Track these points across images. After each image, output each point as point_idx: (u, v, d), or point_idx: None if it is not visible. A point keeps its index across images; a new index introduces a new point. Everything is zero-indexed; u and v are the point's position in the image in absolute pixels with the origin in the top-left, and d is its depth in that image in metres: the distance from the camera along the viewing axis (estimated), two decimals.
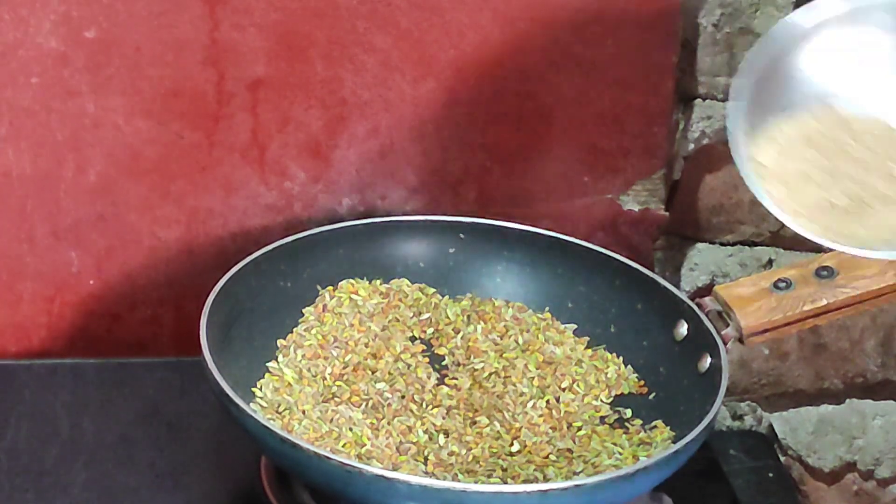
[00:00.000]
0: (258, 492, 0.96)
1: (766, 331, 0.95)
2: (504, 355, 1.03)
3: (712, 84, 1.13)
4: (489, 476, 0.92)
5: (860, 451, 1.24)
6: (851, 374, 1.22)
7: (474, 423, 0.98)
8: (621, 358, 1.04)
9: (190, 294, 1.11)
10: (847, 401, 1.24)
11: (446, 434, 0.96)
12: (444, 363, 1.04)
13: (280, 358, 1.01)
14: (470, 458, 0.94)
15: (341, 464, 0.84)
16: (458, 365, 1.03)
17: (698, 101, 1.14)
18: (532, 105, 1.12)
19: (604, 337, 1.05)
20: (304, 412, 0.96)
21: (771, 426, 1.23)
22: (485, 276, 1.09)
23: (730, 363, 0.95)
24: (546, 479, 0.92)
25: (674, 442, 0.93)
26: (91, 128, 1.09)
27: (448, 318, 1.06)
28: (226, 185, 1.12)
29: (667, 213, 1.15)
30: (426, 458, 0.94)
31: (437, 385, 1.01)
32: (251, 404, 0.95)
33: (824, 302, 0.94)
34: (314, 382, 0.99)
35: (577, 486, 0.84)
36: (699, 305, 0.98)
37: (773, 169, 0.90)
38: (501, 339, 1.05)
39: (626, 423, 0.99)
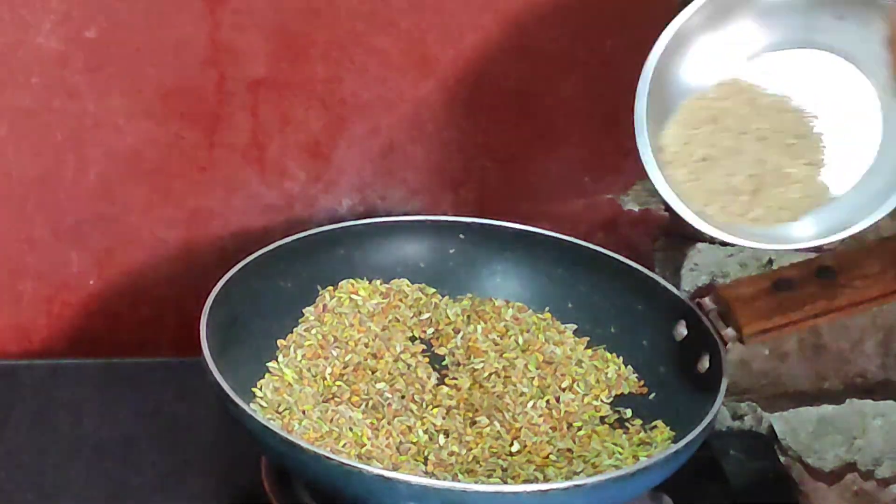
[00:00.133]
0: (258, 492, 0.96)
1: (766, 331, 0.95)
2: (504, 355, 1.03)
3: None
4: (489, 476, 0.92)
5: (860, 451, 1.24)
6: (851, 374, 1.22)
7: (474, 423, 0.98)
8: (621, 358, 1.04)
9: (190, 294, 1.11)
10: (847, 401, 1.24)
11: (446, 434, 0.96)
12: (444, 363, 1.04)
13: (280, 358, 1.01)
14: (470, 458, 0.94)
15: (341, 464, 0.84)
16: (458, 365, 1.03)
17: None
18: (532, 105, 1.12)
19: (604, 337, 1.05)
20: (304, 412, 0.96)
21: (771, 426, 1.23)
22: (485, 276, 1.09)
23: (730, 363, 0.95)
24: (546, 479, 0.92)
25: (674, 442, 0.93)
26: (91, 128, 1.09)
27: (448, 318, 1.06)
28: (226, 185, 1.12)
29: (667, 213, 1.15)
30: (426, 458, 0.94)
31: (437, 385, 1.01)
32: (251, 404, 0.95)
33: (824, 302, 0.94)
34: (314, 382, 0.99)
35: (577, 486, 0.84)
36: (699, 305, 0.98)
37: (680, 154, 0.91)
38: (501, 339, 1.05)
39: (626, 423, 0.99)
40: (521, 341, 1.04)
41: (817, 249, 1.18)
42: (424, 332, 1.06)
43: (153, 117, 1.09)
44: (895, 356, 1.22)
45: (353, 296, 1.06)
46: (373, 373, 1.01)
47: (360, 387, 0.99)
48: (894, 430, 1.24)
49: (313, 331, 1.03)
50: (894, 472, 1.24)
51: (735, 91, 0.93)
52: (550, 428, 0.98)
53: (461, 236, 1.09)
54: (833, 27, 0.90)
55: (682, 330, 1.00)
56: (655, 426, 0.98)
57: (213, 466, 1.03)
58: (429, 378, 1.01)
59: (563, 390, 1.01)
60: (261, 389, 0.98)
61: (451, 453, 0.94)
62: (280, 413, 0.96)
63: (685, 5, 0.92)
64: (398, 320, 1.06)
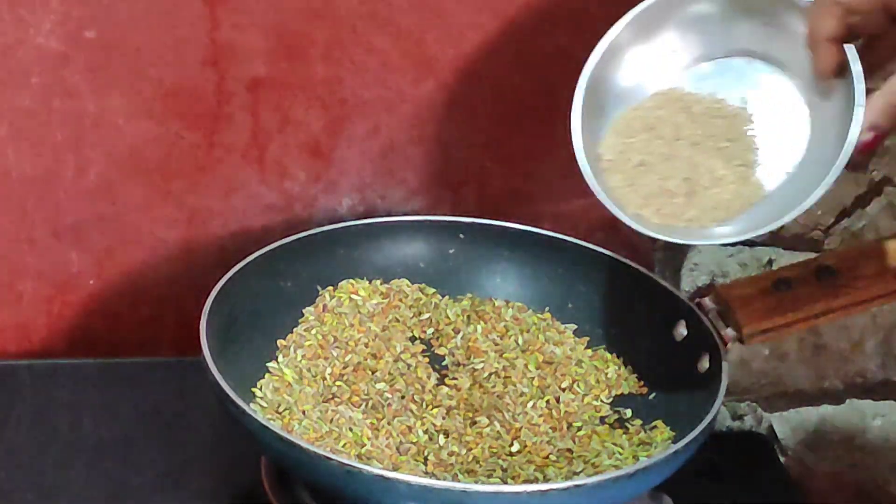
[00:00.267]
0: (258, 492, 0.96)
1: (766, 331, 0.95)
2: (504, 355, 1.03)
3: None
4: (489, 476, 0.92)
5: (860, 450, 1.24)
6: (851, 374, 1.22)
7: (474, 423, 0.97)
8: (621, 358, 1.04)
9: (190, 294, 1.11)
10: (847, 401, 1.24)
11: (446, 434, 0.96)
12: (444, 363, 1.04)
13: (280, 358, 1.01)
14: (470, 458, 0.94)
15: (341, 464, 0.84)
16: (458, 365, 1.03)
17: None
18: (532, 105, 1.12)
19: (604, 337, 1.05)
20: (304, 412, 0.96)
21: (771, 426, 1.23)
22: (485, 276, 1.09)
23: (730, 363, 0.95)
24: (546, 479, 0.92)
25: (674, 442, 0.93)
26: (91, 128, 1.09)
27: (448, 318, 1.06)
28: (226, 185, 1.12)
29: None
30: (426, 458, 0.94)
31: (437, 385, 1.01)
32: (251, 404, 0.95)
33: (824, 302, 0.94)
34: (314, 382, 0.99)
35: (577, 486, 0.84)
36: (699, 305, 0.98)
37: (617, 162, 0.93)
38: (501, 339, 1.05)
39: (626, 423, 0.99)
40: (521, 341, 1.04)
41: (818, 249, 1.18)
42: (424, 332, 1.06)
43: (153, 117, 1.09)
44: (895, 356, 1.22)
45: (353, 296, 1.06)
46: (373, 373, 1.01)
47: (360, 387, 0.99)
48: (894, 430, 1.24)
49: (313, 331, 1.03)
50: (894, 471, 1.24)
51: (669, 100, 0.95)
52: (550, 428, 0.98)
53: (461, 236, 1.09)
54: (758, 33, 0.93)
55: (682, 330, 1.00)
56: (655, 426, 0.98)
57: (213, 466, 1.03)
58: (429, 378, 1.01)
59: (563, 390, 1.01)
60: (261, 389, 0.98)
61: (451, 453, 0.94)
62: (280, 413, 0.96)
63: None
64: (398, 320, 1.06)
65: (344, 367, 1.01)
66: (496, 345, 1.04)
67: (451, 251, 1.09)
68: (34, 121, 1.08)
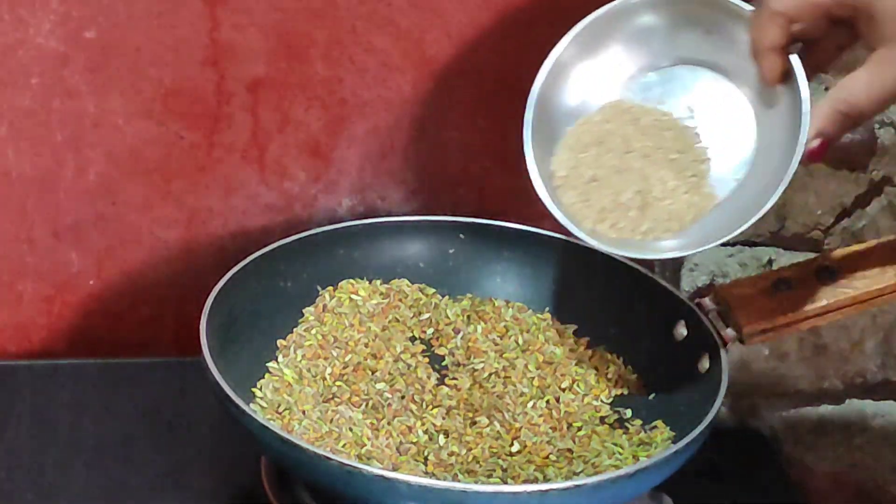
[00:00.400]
0: (258, 492, 0.96)
1: (766, 331, 0.95)
2: (504, 355, 1.03)
3: None
4: (489, 476, 0.92)
5: (860, 450, 1.24)
6: (851, 374, 1.22)
7: (474, 423, 0.97)
8: (621, 358, 1.04)
9: (190, 294, 1.11)
10: (847, 401, 1.24)
11: (446, 434, 0.96)
12: (444, 363, 1.04)
13: (280, 358, 1.01)
14: (470, 458, 0.94)
15: (341, 464, 0.84)
16: (458, 365, 1.03)
17: None
18: None
19: (604, 337, 1.05)
20: (304, 412, 0.96)
21: (771, 426, 1.23)
22: (485, 276, 1.09)
23: (730, 363, 0.95)
24: (546, 479, 0.92)
25: (674, 442, 0.93)
26: (91, 128, 1.09)
27: (448, 318, 1.06)
28: (226, 185, 1.12)
29: None
30: (426, 458, 0.94)
31: (437, 385, 1.01)
32: (251, 404, 0.95)
33: (824, 302, 0.94)
34: (314, 382, 0.99)
35: (577, 486, 0.84)
36: (699, 305, 0.98)
37: (570, 178, 0.94)
38: (501, 339, 1.05)
39: (626, 423, 0.99)
40: (521, 341, 1.04)
41: (818, 249, 1.18)
42: (424, 332, 1.06)
43: (153, 117, 1.09)
44: (895, 356, 1.22)
45: (353, 296, 1.06)
46: (373, 373, 1.01)
47: (360, 387, 0.99)
48: (894, 430, 1.24)
49: (313, 331, 1.03)
50: (894, 471, 1.24)
51: (618, 112, 0.96)
52: (550, 428, 0.98)
53: (461, 236, 1.09)
54: (703, 42, 0.93)
55: (682, 330, 1.00)
56: (655, 426, 0.98)
57: (213, 466, 1.03)
58: (429, 378, 1.01)
59: (563, 390, 1.01)
60: (261, 389, 0.98)
61: (451, 453, 0.94)
62: (280, 413, 0.96)
63: None
64: (398, 320, 1.06)
65: (344, 367, 1.01)
66: (496, 345, 1.04)
67: (451, 251, 1.09)
68: (34, 121, 1.08)
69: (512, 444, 0.96)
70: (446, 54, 1.09)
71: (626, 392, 1.02)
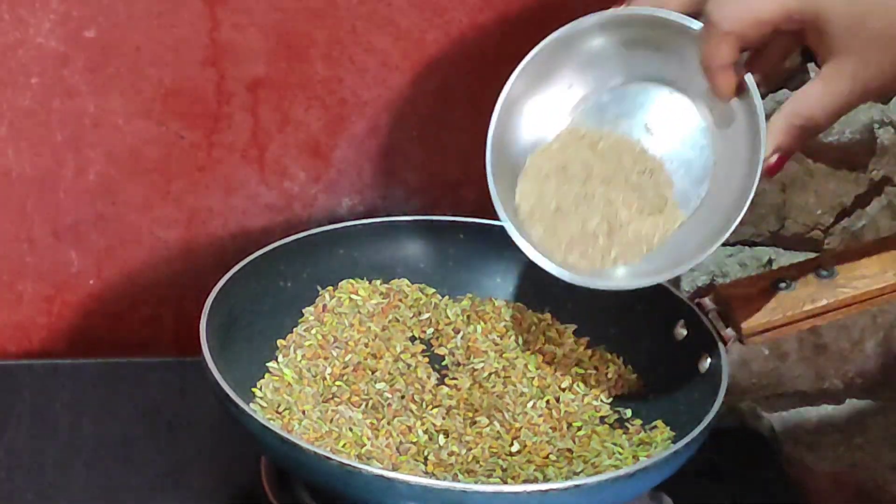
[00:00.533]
0: (258, 492, 0.96)
1: (766, 331, 0.95)
2: (504, 355, 1.03)
3: None
4: (489, 476, 0.92)
5: (860, 450, 1.24)
6: (851, 374, 1.22)
7: (474, 423, 0.97)
8: (621, 358, 1.04)
9: (190, 294, 1.11)
10: (847, 401, 1.24)
11: (446, 434, 0.96)
12: (444, 363, 1.04)
13: (280, 358, 1.01)
14: (470, 458, 0.94)
15: (341, 464, 0.84)
16: (458, 365, 1.03)
17: None
18: None
19: (604, 337, 1.05)
20: (304, 412, 0.96)
21: (771, 426, 1.23)
22: (485, 276, 1.09)
23: (730, 363, 0.95)
24: (546, 479, 0.92)
25: (674, 442, 0.93)
26: (91, 128, 1.09)
27: (448, 318, 1.06)
28: (226, 185, 1.12)
29: None
30: (426, 458, 0.94)
31: (437, 385, 1.01)
32: (251, 404, 0.95)
33: (824, 302, 0.94)
34: (314, 382, 0.99)
35: (577, 486, 0.84)
36: (699, 305, 0.98)
37: (535, 210, 0.94)
38: (501, 339, 1.05)
39: (626, 423, 0.99)
40: (521, 341, 1.04)
41: (818, 249, 1.18)
42: (424, 332, 1.06)
43: (153, 117, 1.09)
44: (895, 356, 1.22)
45: (353, 296, 1.06)
46: (373, 373, 1.01)
47: (360, 387, 0.99)
48: (894, 430, 1.24)
49: (313, 331, 1.03)
50: (894, 471, 1.24)
51: (574, 139, 0.96)
52: (550, 428, 0.98)
53: (461, 236, 1.09)
54: (654, 59, 0.93)
55: (682, 330, 1.00)
56: (655, 426, 0.98)
57: (212, 466, 1.03)
58: (429, 378, 1.01)
59: (563, 390, 1.01)
60: (261, 389, 0.98)
61: (451, 453, 0.94)
62: (280, 413, 0.96)
63: None
64: (398, 320, 1.06)
65: (344, 367, 1.01)
66: (496, 345, 1.04)
67: (451, 251, 1.09)
68: (34, 121, 1.08)
69: (512, 444, 0.96)
70: (446, 54, 1.09)
71: (626, 392, 1.02)
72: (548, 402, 1.00)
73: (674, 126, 0.94)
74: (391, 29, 1.08)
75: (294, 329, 1.03)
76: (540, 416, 0.99)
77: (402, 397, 0.99)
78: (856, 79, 0.84)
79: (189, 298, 1.12)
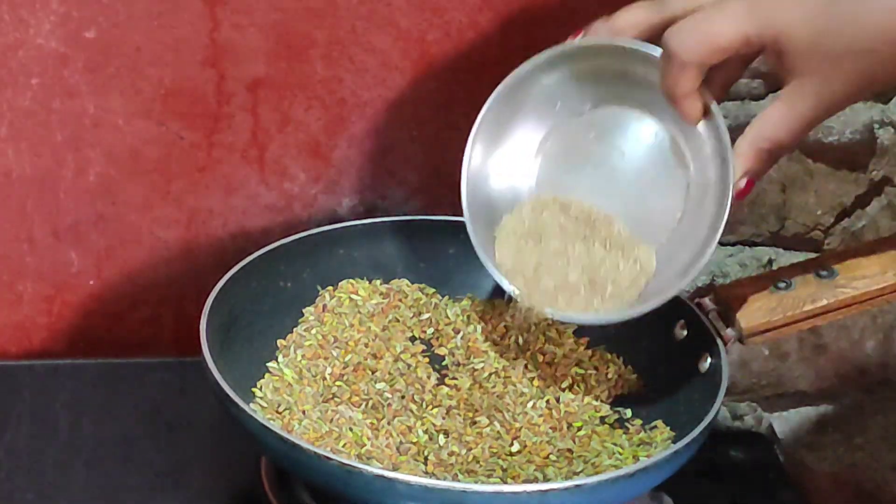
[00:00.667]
0: (258, 492, 0.96)
1: (766, 331, 0.95)
2: (504, 355, 1.03)
3: None
4: (489, 476, 0.92)
5: (860, 450, 1.24)
6: (851, 374, 1.22)
7: (474, 423, 0.97)
8: (621, 358, 1.04)
9: (190, 294, 1.11)
10: (847, 401, 1.24)
11: (446, 434, 0.96)
12: (444, 363, 1.04)
13: (280, 358, 1.01)
14: (470, 458, 0.94)
15: (341, 464, 0.84)
16: (458, 365, 1.03)
17: None
18: None
19: (604, 337, 1.05)
20: (304, 412, 0.96)
21: (771, 426, 1.23)
22: (485, 276, 1.08)
23: (730, 363, 0.95)
24: (546, 479, 0.92)
25: (674, 442, 0.93)
26: (91, 128, 1.09)
27: (448, 318, 1.06)
28: (226, 186, 1.12)
29: None
30: (426, 458, 0.94)
31: (437, 385, 1.01)
32: (251, 404, 0.95)
33: (824, 302, 0.94)
34: (314, 382, 0.99)
35: (577, 486, 0.84)
36: (699, 305, 0.98)
37: (515, 267, 0.95)
38: (501, 339, 1.05)
39: (626, 423, 0.99)
40: (521, 341, 1.04)
41: (818, 249, 1.18)
42: (424, 332, 1.06)
43: (153, 117, 1.09)
44: (895, 356, 1.22)
45: (353, 296, 1.06)
46: (373, 373, 1.01)
47: (360, 387, 0.99)
48: (894, 430, 1.24)
49: (313, 331, 1.03)
50: (894, 471, 1.24)
51: (545, 204, 0.96)
52: (550, 428, 0.98)
53: (461, 236, 1.09)
54: (619, 86, 0.93)
55: (682, 330, 1.00)
56: (655, 426, 0.98)
57: (212, 466, 1.03)
58: (429, 378, 1.01)
59: (563, 390, 1.01)
60: (261, 389, 0.98)
61: (451, 453, 0.94)
62: (280, 413, 0.96)
63: None
64: (398, 320, 1.06)
65: (344, 367, 1.01)
66: (496, 345, 1.04)
67: (451, 251, 1.09)
68: (34, 121, 1.08)
69: (512, 444, 0.96)
70: (446, 54, 1.09)
71: (626, 392, 1.02)
72: (548, 402, 1.00)
73: (645, 149, 0.94)
74: (391, 29, 1.08)
75: (294, 329, 1.03)
76: (540, 416, 0.99)
77: (402, 397, 0.99)
78: (819, 97, 0.84)
79: (189, 298, 1.12)
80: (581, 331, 1.06)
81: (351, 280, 1.07)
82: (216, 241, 1.14)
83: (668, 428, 0.97)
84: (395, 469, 0.91)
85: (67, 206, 1.11)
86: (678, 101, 0.88)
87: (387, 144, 1.12)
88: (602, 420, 1.00)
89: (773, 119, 0.85)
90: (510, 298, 0.96)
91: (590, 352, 1.04)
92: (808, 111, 0.84)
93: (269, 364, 1.00)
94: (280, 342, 1.02)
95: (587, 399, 1.01)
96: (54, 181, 1.10)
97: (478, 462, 0.94)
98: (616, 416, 1.00)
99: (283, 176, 1.12)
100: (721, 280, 1.18)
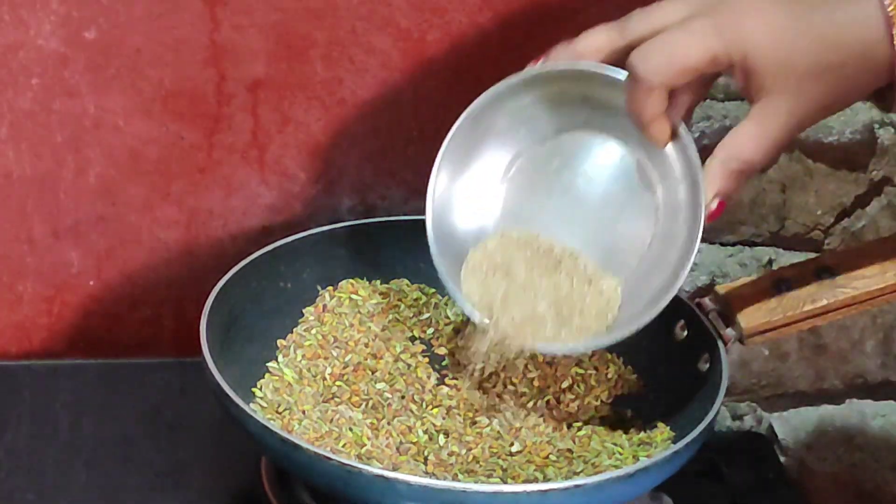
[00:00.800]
0: (258, 492, 0.96)
1: (766, 331, 0.95)
2: (504, 355, 1.03)
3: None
4: (489, 476, 0.92)
5: (860, 451, 1.24)
6: (851, 374, 1.22)
7: (474, 423, 0.97)
8: (621, 358, 1.04)
9: (190, 294, 1.11)
10: (847, 401, 1.24)
11: (446, 434, 0.96)
12: (444, 363, 1.04)
13: (280, 358, 1.01)
14: (470, 458, 0.94)
15: (341, 464, 0.84)
16: (458, 365, 1.03)
17: None
18: None
19: None
20: (304, 412, 0.96)
21: (771, 426, 1.23)
22: None
23: (730, 363, 0.95)
24: (546, 479, 0.92)
25: (674, 442, 0.93)
26: (91, 128, 1.09)
27: (448, 318, 1.06)
28: (226, 186, 1.12)
29: None
30: (426, 458, 0.94)
31: (437, 385, 1.01)
32: (251, 404, 0.95)
33: (824, 302, 0.94)
34: (314, 382, 0.99)
35: (577, 486, 0.84)
36: (699, 305, 0.98)
37: (482, 301, 0.93)
38: None
39: (626, 423, 0.99)
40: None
41: (818, 249, 1.18)
42: (424, 332, 1.06)
43: (153, 117, 1.09)
44: (895, 356, 1.22)
45: (353, 296, 1.06)
46: (373, 373, 1.01)
47: (360, 387, 0.99)
48: (894, 430, 1.24)
49: (313, 331, 1.03)
50: (894, 471, 1.25)
51: (509, 241, 0.95)
52: (550, 428, 0.98)
53: None
54: (583, 110, 0.92)
55: (682, 330, 1.00)
56: (655, 426, 0.98)
57: (212, 466, 1.03)
58: (429, 378, 1.01)
59: (563, 390, 1.01)
60: (261, 389, 0.98)
61: (451, 453, 0.94)
62: (280, 413, 0.96)
63: None
64: (398, 320, 1.06)
65: (344, 367, 1.01)
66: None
67: None
68: (34, 121, 1.08)
69: (512, 444, 0.96)
70: (446, 54, 1.09)
71: (626, 392, 1.02)
72: (548, 402, 1.00)
73: (611, 173, 0.93)
74: (391, 29, 1.08)
75: (294, 329, 1.03)
76: (540, 416, 0.99)
77: (402, 397, 0.99)
78: (789, 115, 0.83)
79: (189, 298, 1.12)
80: None
81: (351, 280, 1.07)
82: (216, 242, 1.14)
83: (668, 428, 0.97)
84: (395, 469, 0.91)
85: (67, 206, 1.11)
86: (646, 124, 0.86)
87: (387, 144, 1.13)
88: (602, 420, 1.00)
89: (744, 139, 0.84)
90: (466, 324, 0.96)
91: (590, 352, 1.04)
92: (778, 130, 0.83)
93: (269, 364, 1.00)
94: (280, 342, 1.02)
95: (587, 399, 1.01)
96: (54, 181, 1.10)
97: (478, 462, 0.94)
98: (616, 416, 1.00)
99: (283, 176, 1.12)
100: (721, 280, 1.18)
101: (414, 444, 0.95)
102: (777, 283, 0.95)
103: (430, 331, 1.06)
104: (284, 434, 0.86)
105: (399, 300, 1.07)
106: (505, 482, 0.91)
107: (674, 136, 0.88)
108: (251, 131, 1.11)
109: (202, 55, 1.08)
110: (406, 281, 1.08)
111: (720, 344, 0.95)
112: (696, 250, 0.87)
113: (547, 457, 0.95)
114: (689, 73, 0.83)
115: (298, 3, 1.07)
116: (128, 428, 1.06)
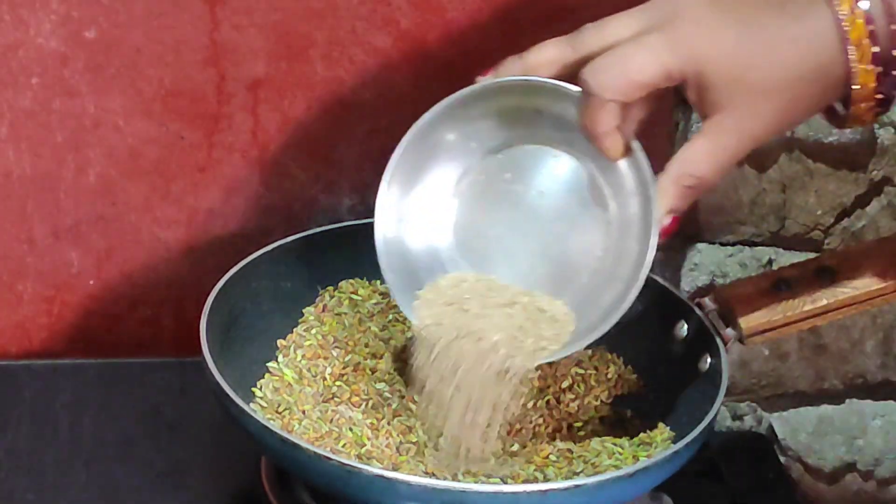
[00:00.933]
0: (258, 492, 0.96)
1: (766, 331, 0.95)
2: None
3: None
4: (489, 476, 0.92)
5: (860, 451, 1.24)
6: (851, 374, 1.22)
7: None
8: (621, 358, 1.04)
9: (190, 294, 1.11)
10: (847, 401, 1.24)
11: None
12: None
13: (280, 358, 1.01)
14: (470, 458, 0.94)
15: (341, 464, 0.84)
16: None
17: None
18: None
19: (604, 337, 1.04)
20: (304, 412, 0.96)
21: (771, 426, 1.23)
22: None
23: (730, 363, 0.95)
24: (546, 479, 0.92)
25: (674, 442, 0.93)
26: (91, 128, 1.09)
27: None
28: (226, 186, 1.12)
29: None
30: (426, 458, 0.94)
31: None
32: (251, 404, 0.95)
33: (824, 302, 0.94)
34: (314, 382, 0.99)
35: (577, 486, 0.84)
36: (699, 305, 0.98)
37: (440, 330, 0.92)
38: None
39: (626, 423, 0.99)
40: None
41: (818, 249, 1.18)
42: None
43: (153, 117, 1.09)
44: (895, 356, 1.22)
45: (353, 296, 1.06)
46: (373, 373, 1.01)
47: (360, 387, 0.99)
48: (894, 430, 1.24)
49: (313, 331, 1.03)
50: (894, 472, 1.25)
51: (461, 280, 0.94)
52: (551, 428, 0.98)
53: None
54: (535, 123, 0.91)
55: (682, 330, 1.00)
56: (655, 426, 0.98)
57: (212, 466, 1.03)
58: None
59: (563, 390, 1.01)
60: (261, 389, 0.98)
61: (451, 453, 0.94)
62: (280, 413, 0.96)
63: None
64: (398, 320, 1.05)
65: (344, 367, 1.01)
66: None
67: None
68: (34, 121, 1.08)
69: (512, 445, 0.96)
70: (446, 54, 1.09)
71: (626, 392, 1.02)
72: (548, 402, 1.00)
73: (563, 187, 0.92)
74: (391, 29, 1.08)
75: (294, 329, 1.03)
76: (540, 416, 0.99)
77: (402, 397, 0.99)
78: (742, 131, 0.82)
79: (189, 298, 1.12)
80: None
81: (351, 280, 1.07)
82: (216, 242, 1.14)
83: (668, 428, 0.97)
84: (395, 469, 0.91)
85: (67, 206, 1.11)
86: (598, 138, 0.86)
87: (387, 144, 1.12)
88: (602, 420, 1.00)
89: (696, 155, 0.83)
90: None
91: (590, 352, 1.04)
92: (731, 146, 0.82)
93: (269, 364, 1.00)
94: (280, 342, 1.02)
95: (587, 399, 1.01)
96: (54, 181, 1.10)
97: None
98: (616, 416, 1.00)
99: (283, 176, 1.12)
100: (721, 280, 1.18)
101: (414, 444, 0.95)
102: (777, 283, 0.95)
103: None
104: (284, 434, 0.86)
105: None
106: (505, 482, 0.91)
107: (627, 150, 0.87)
108: (251, 131, 1.11)
109: (202, 55, 1.08)
110: None
111: (720, 344, 0.95)
112: (648, 265, 0.86)
113: (547, 457, 0.95)
114: (643, 89, 0.83)
115: (298, 2, 1.07)
116: (128, 428, 1.06)
